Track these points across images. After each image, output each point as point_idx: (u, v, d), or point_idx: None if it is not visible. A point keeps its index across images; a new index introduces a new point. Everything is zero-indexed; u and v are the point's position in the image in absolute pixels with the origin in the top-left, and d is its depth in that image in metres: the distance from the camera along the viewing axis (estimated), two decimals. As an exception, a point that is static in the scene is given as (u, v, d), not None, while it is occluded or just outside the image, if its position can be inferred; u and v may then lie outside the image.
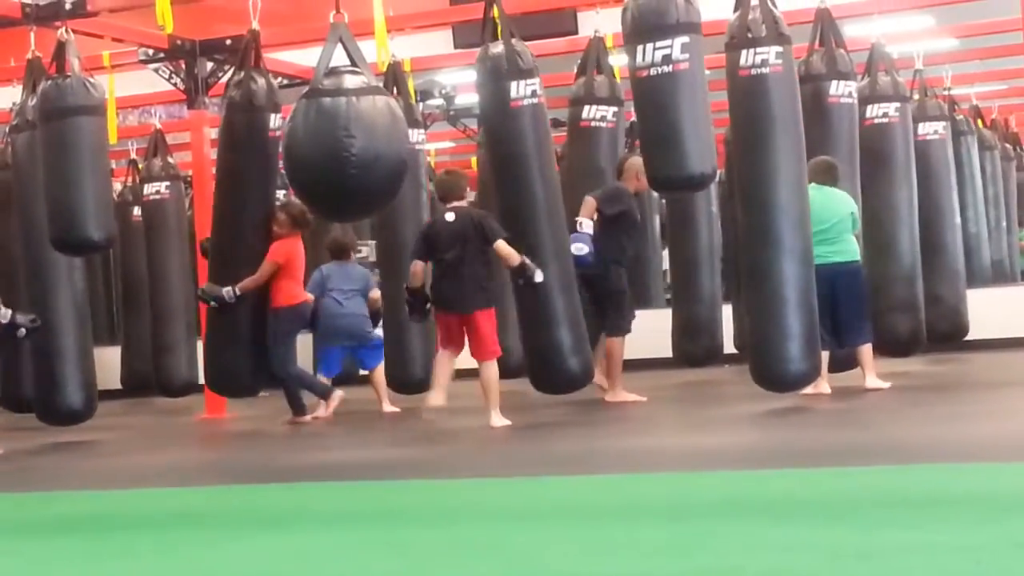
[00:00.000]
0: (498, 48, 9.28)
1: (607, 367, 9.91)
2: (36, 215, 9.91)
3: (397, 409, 10.54)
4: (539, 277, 8.75)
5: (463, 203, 8.99)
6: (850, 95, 10.14)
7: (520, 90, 9.25)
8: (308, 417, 10.14)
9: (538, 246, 9.15)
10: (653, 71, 8.53)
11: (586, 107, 10.79)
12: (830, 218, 9.27)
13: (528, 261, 8.75)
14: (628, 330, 9.97)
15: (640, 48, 8.55)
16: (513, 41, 9.29)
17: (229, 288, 9.94)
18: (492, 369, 8.77)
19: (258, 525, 5.72)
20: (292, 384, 10.22)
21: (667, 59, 8.47)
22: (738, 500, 5.49)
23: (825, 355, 9.17)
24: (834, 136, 10.06)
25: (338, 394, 10.23)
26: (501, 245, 8.71)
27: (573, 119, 10.94)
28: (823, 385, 9.22)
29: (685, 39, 8.47)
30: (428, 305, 8.95)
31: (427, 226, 9.20)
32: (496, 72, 9.30)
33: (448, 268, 8.76)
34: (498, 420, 8.71)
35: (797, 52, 9.57)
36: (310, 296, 10.36)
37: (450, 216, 8.81)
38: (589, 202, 9.72)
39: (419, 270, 8.93)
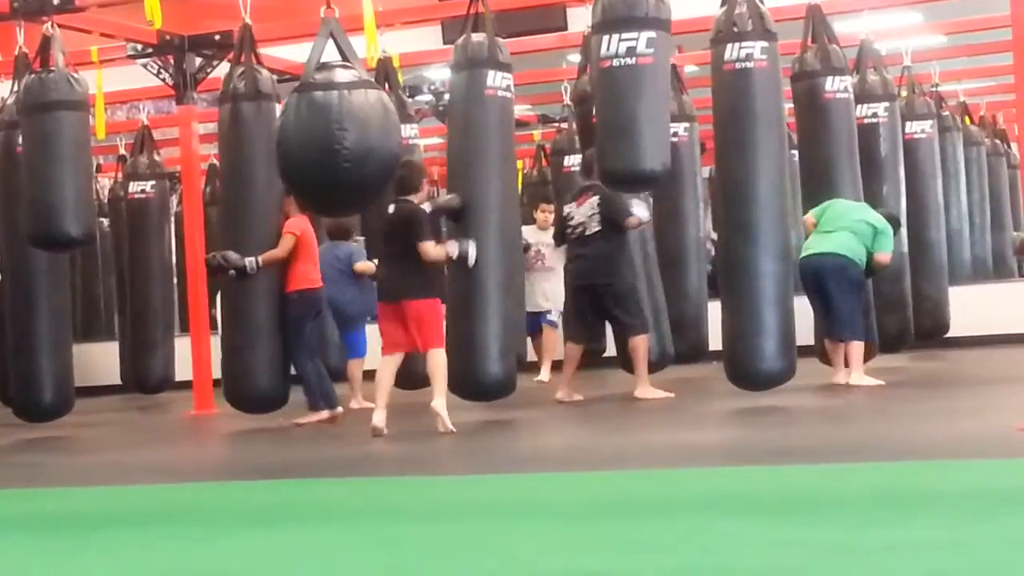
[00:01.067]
0: (479, 37, 9.28)
1: (635, 365, 9.90)
2: (16, 210, 9.91)
3: (370, 405, 10.43)
4: (472, 256, 8.70)
5: (414, 197, 8.68)
6: (846, 90, 10.15)
7: (496, 80, 9.23)
8: (325, 414, 9.66)
9: (486, 239, 9.00)
10: (616, 62, 8.51)
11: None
12: (838, 219, 9.32)
13: (458, 247, 8.68)
14: (648, 328, 10.05)
15: (606, 38, 8.54)
16: (486, 35, 9.27)
17: (252, 258, 9.45)
18: (440, 356, 8.49)
19: (245, 522, 5.72)
20: (307, 379, 9.67)
21: (631, 51, 8.46)
22: (726, 496, 5.50)
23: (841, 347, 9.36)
24: (832, 132, 10.08)
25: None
26: (426, 247, 8.48)
27: (584, 116, 10.87)
28: (840, 375, 9.39)
29: (652, 34, 8.46)
30: None
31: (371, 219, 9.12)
32: (475, 60, 9.30)
33: (388, 262, 8.69)
34: (440, 406, 8.38)
35: (787, 49, 9.62)
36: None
37: (391, 208, 8.68)
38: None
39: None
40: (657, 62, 8.51)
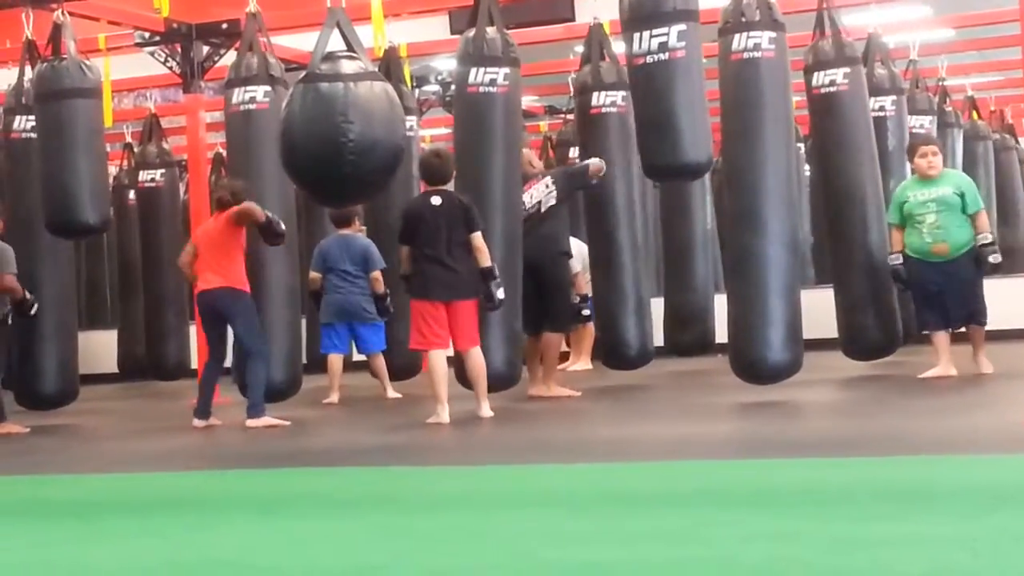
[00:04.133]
0: (470, 33, 9.28)
1: (545, 360, 9.77)
2: (25, 197, 9.91)
3: (399, 395, 10.53)
4: (501, 293, 8.53)
5: (448, 186, 8.73)
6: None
7: (478, 77, 9.19)
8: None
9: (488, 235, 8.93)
10: (649, 59, 8.54)
11: (595, 94, 10.69)
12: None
13: (496, 271, 8.53)
14: (569, 328, 10.02)
15: (637, 35, 8.55)
16: (491, 28, 9.24)
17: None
18: (480, 356, 8.61)
19: (249, 510, 5.72)
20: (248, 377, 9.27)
21: (663, 47, 8.48)
22: (729, 489, 5.49)
23: (945, 336, 9.31)
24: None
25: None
26: (479, 237, 8.48)
27: (583, 107, 10.87)
28: (949, 367, 9.30)
29: (682, 27, 8.48)
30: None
31: (408, 209, 8.84)
32: (461, 57, 9.30)
33: (433, 257, 8.47)
34: (487, 411, 8.58)
35: (795, 41, 9.61)
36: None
37: (436, 200, 8.55)
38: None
39: (405, 255, 8.69)
40: (689, 54, 8.53)
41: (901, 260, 9.35)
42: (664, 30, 8.49)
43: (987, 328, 9.44)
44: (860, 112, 10.17)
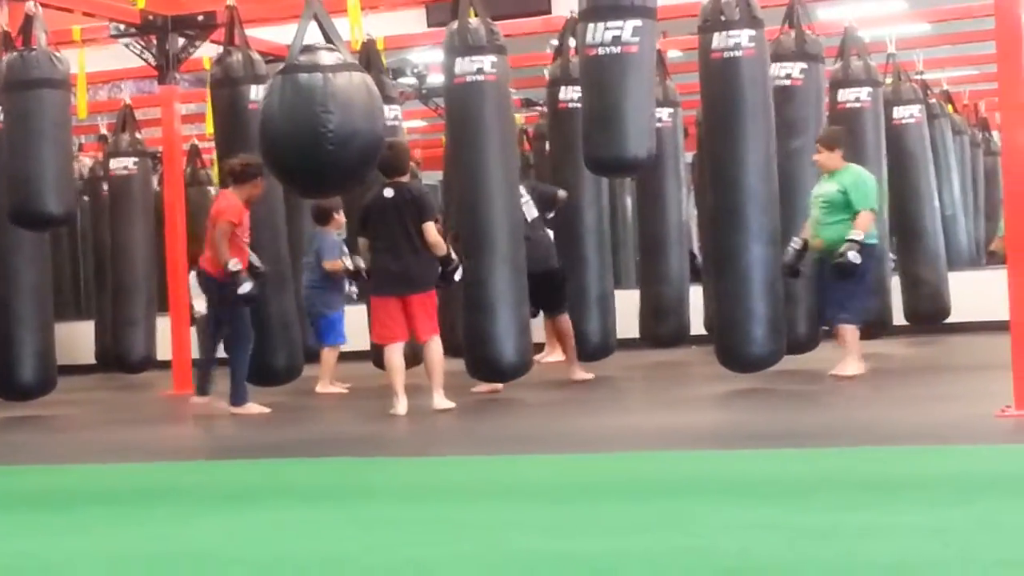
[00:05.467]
0: (453, 25, 9.27)
1: (566, 341, 10.07)
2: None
3: (342, 389, 10.43)
4: (458, 275, 8.55)
5: (404, 178, 8.61)
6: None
7: (464, 67, 9.21)
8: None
9: (484, 231, 9.00)
10: (601, 51, 8.50)
11: (563, 88, 10.71)
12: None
13: (454, 254, 8.50)
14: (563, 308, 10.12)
15: (592, 26, 8.53)
16: (472, 19, 9.23)
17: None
18: (438, 345, 8.55)
19: (224, 501, 5.72)
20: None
21: (617, 40, 8.45)
22: (703, 480, 5.52)
23: (855, 331, 9.13)
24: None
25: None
26: (431, 228, 8.42)
27: (551, 101, 10.85)
28: (856, 365, 9.12)
29: (638, 23, 8.45)
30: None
31: (363, 202, 8.72)
32: (446, 49, 9.30)
33: (388, 250, 8.45)
34: (442, 402, 8.53)
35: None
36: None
37: (388, 192, 8.48)
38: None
39: (363, 248, 8.68)
40: (642, 51, 8.51)
41: (798, 246, 9.23)
42: (619, 24, 8.44)
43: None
44: (813, 106, 10.13)
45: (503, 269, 9.10)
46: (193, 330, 11.10)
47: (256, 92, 9.60)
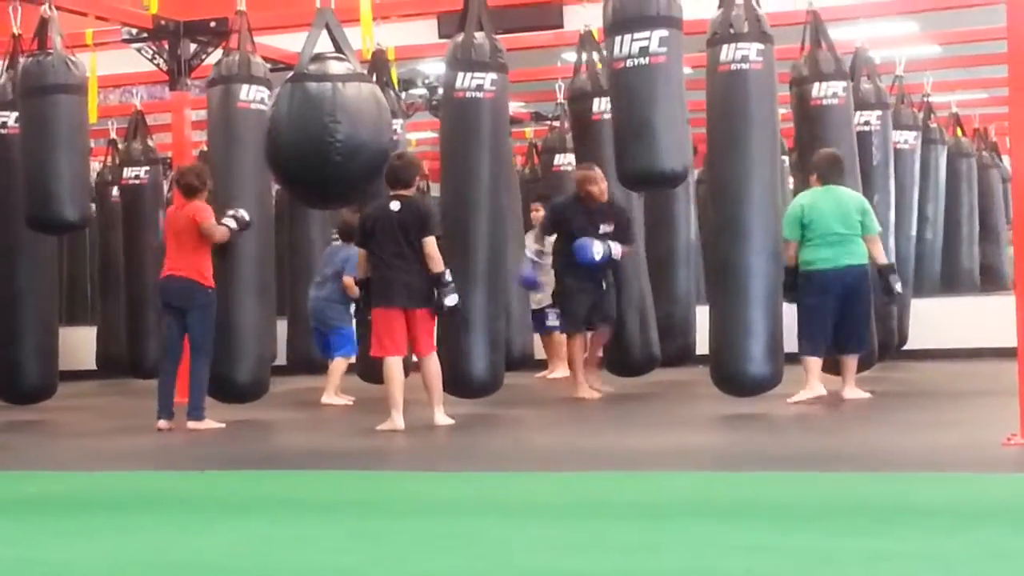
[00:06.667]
0: (458, 38, 9.25)
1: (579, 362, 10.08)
2: (8, 193, 9.87)
3: (348, 401, 10.41)
4: (451, 301, 8.34)
5: (410, 192, 8.48)
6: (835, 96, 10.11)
7: (465, 82, 9.18)
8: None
9: (470, 246, 9.01)
10: (629, 63, 8.49)
11: (596, 100, 10.59)
12: (841, 221, 9.09)
13: (449, 278, 8.34)
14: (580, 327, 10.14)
15: (619, 39, 8.52)
16: (479, 33, 9.20)
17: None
18: (436, 362, 8.51)
19: (224, 512, 5.71)
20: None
21: (644, 51, 8.44)
22: (707, 501, 5.50)
23: (818, 360, 9.10)
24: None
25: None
26: (432, 243, 8.31)
27: (581, 114, 10.78)
28: (818, 387, 9.07)
29: (664, 32, 8.45)
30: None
31: (367, 213, 8.60)
32: (449, 62, 9.28)
33: (390, 264, 8.33)
34: (442, 418, 8.52)
35: (784, 54, 9.62)
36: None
37: (395, 205, 8.33)
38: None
39: (363, 259, 8.58)
40: (670, 60, 8.50)
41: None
42: (646, 35, 8.44)
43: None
44: (846, 126, 10.17)
45: (480, 287, 9.08)
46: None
47: (247, 92, 9.62)
